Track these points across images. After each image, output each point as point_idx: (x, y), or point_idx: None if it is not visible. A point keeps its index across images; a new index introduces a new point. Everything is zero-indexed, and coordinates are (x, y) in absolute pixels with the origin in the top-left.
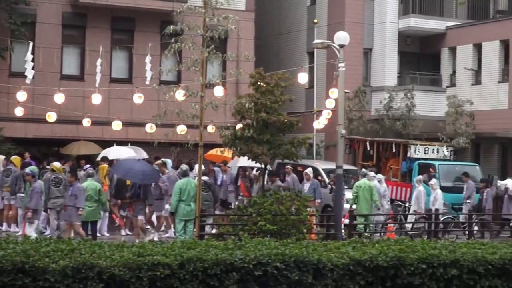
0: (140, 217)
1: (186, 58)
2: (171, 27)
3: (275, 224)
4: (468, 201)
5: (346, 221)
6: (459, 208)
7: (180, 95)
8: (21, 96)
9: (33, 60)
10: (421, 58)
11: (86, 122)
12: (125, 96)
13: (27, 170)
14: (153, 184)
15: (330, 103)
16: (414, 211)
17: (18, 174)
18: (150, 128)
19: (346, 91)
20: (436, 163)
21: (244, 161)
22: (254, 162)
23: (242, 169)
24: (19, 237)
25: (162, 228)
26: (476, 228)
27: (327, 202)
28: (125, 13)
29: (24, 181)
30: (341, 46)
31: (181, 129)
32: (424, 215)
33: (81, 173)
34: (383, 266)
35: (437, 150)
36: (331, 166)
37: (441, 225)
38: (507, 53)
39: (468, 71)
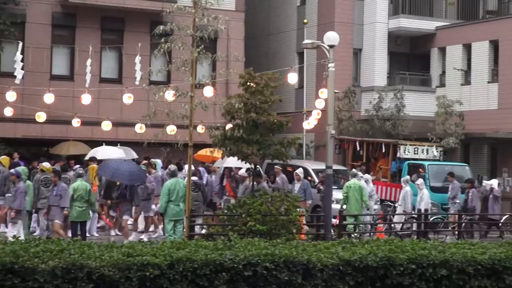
0: (125, 217)
1: (176, 58)
2: (161, 27)
3: (265, 225)
4: (457, 201)
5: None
6: (448, 208)
7: (170, 95)
8: (11, 96)
9: (22, 60)
10: (411, 58)
11: (76, 122)
12: (114, 96)
13: (12, 170)
14: (141, 184)
15: (320, 103)
16: (403, 211)
17: (7, 175)
18: (139, 128)
19: (336, 91)
20: (426, 163)
21: (230, 161)
22: (243, 162)
23: (228, 169)
24: (9, 238)
25: (151, 228)
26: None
27: (317, 202)
28: (114, 13)
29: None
30: (331, 46)
31: (171, 129)
32: (414, 215)
33: (70, 173)
34: (372, 266)
35: (427, 150)
36: (321, 166)
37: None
38: (496, 53)
39: (457, 71)
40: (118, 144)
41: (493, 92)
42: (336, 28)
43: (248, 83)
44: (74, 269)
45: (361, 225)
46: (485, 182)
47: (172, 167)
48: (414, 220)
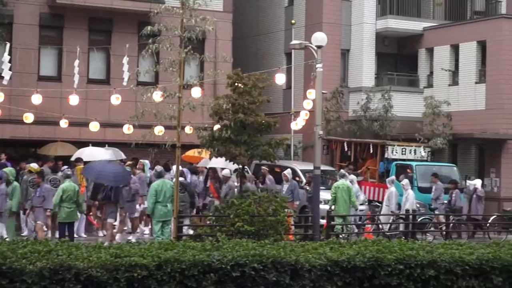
0: (109, 220)
1: (163, 59)
2: (149, 28)
3: (253, 225)
4: (440, 202)
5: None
6: (436, 209)
7: (157, 96)
8: None
9: (10, 61)
10: (399, 59)
11: (64, 123)
12: (102, 97)
13: None
14: (126, 186)
15: (307, 104)
16: (391, 212)
17: None
18: (127, 129)
19: (323, 92)
20: (414, 163)
21: (214, 161)
22: (231, 163)
23: (212, 170)
24: None
25: (138, 230)
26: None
27: (304, 203)
28: (102, 14)
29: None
30: (319, 47)
31: (159, 130)
32: (402, 216)
33: (58, 174)
34: (360, 267)
35: (415, 150)
36: (309, 167)
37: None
38: (484, 54)
39: (445, 72)
40: (106, 145)
41: (480, 93)
42: (324, 28)
43: (236, 84)
44: (62, 270)
45: (349, 226)
46: (468, 182)
47: (159, 168)
48: (402, 221)
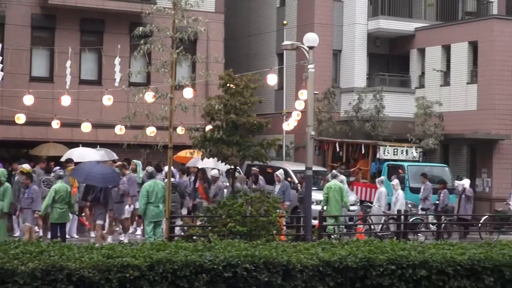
0: (99, 222)
1: (155, 59)
2: (140, 28)
3: (245, 226)
4: (428, 202)
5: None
6: (427, 209)
7: (149, 96)
8: None
9: (2, 62)
10: (390, 59)
11: (55, 124)
12: (94, 97)
13: None
14: (115, 187)
15: (299, 105)
16: (383, 212)
17: None
18: (119, 130)
19: (315, 92)
20: (405, 164)
21: (203, 162)
22: (222, 163)
23: (201, 171)
24: None
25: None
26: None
27: (295, 203)
28: (94, 15)
29: None
30: (311, 47)
31: (151, 130)
32: (394, 216)
33: (51, 175)
34: (352, 267)
35: (406, 151)
36: (301, 167)
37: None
38: (475, 54)
39: (436, 72)
40: (98, 145)
41: (472, 93)
42: (316, 29)
43: (228, 85)
44: (54, 271)
45: (341, 226)
46: (457, 182)
47: (150, 168)
48: (393, 221)
